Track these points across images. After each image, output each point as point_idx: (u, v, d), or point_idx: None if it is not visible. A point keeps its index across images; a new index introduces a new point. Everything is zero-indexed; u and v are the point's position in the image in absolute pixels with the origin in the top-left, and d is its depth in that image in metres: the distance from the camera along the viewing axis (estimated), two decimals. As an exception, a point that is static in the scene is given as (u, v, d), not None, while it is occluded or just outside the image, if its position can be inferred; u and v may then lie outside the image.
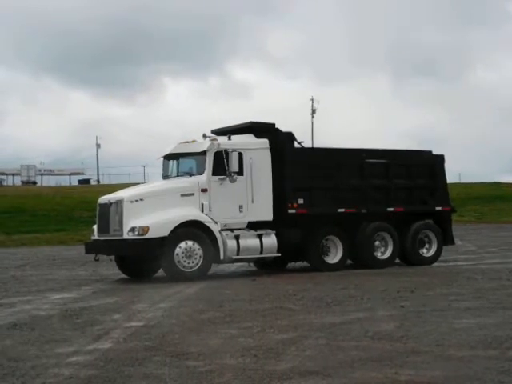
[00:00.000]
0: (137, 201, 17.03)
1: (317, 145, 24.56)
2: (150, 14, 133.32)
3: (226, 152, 17.55)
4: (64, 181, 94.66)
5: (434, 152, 21.25)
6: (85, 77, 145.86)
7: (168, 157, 18.83)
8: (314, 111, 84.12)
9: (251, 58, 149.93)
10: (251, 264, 20.03)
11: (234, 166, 17.47)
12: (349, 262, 19.45)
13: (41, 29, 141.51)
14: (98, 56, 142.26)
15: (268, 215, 18.18)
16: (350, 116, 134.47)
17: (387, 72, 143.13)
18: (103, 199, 17.76)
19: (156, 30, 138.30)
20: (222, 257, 17.28)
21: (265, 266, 19.61)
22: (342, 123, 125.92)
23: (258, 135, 18.75)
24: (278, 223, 18.18)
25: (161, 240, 16.56)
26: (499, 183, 77.45)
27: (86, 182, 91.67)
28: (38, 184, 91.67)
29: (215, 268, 18.74)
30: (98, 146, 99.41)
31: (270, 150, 18.45)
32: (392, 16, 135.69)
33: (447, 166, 21.10)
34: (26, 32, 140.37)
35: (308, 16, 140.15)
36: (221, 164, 17.53)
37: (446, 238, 20.70)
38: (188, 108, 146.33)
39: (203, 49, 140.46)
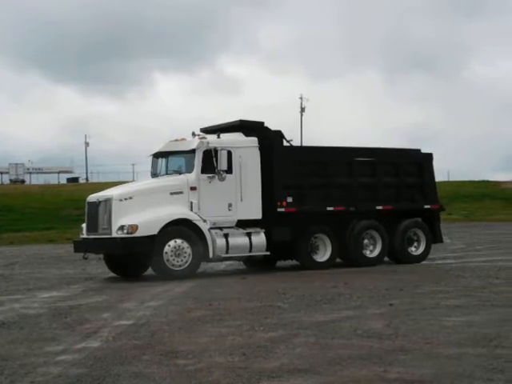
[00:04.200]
0: (126, 199, 17.01)
1: (306, 143, 24.66)
2: (139, 7, 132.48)
3: (215, 150, 17.54)
4: (52, 179, 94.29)
5: (423, 150, 21.36)
6: (72, 72, 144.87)
7: (157, 155, 18.81)
8: (303, 109, 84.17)
9: (242, 53, 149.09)
10: (240, 262, 20.03)
11: (223, 164, 17.47)
12: (338, 260, 19.48)
13: (26, 21, 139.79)
14: (85, 50, 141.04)
15: (257, 213, 18.19)
16: (341, 113, 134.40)
17: (379, 68, 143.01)
18: (92, 197, 17.73)
19: (146, 24, 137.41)
20: (211, 255, 17.28)
21: (254, 264, 19.61)
22: (333, 120, 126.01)
23: (247, 133, 18.74)
24: (267, 221, 18.19)
25: (150, 238, 16.54)
26: (488, 181, 77.69)
27: (75, 180, 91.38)
28: (27, 182, 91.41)
29: (204, 266, 18.73)
30: (87, 144, 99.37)
31: (259, 148, 18.46)
32: (385, 11, 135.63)
33: (436, 164, 21.20)
34: (10, 24, 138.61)
35: (300, 10, 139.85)
36: (210, 162, 17.53)
37: (434, 236, 20.75)
38: (178, 104, 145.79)
39: (193, 43, 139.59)
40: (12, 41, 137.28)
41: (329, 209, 19.06)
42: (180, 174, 17.89)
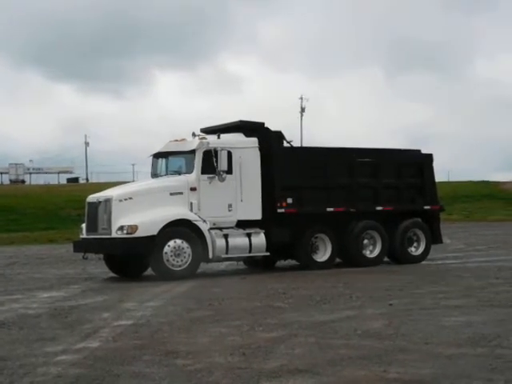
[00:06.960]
0: (126, 199, 17.00)
1: (307, 143, 24.60)
2: (138, 4, 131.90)
3: (215, 151, 17.53)
4: (53, 179, 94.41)
5: (424, 150, 21.39)
6: (71, 70, 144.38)
7: (157, 155, 18.80)
8: (303, 109, 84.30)
9: (242, 50, 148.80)
10: (240, 262, 20.03)
11: (223, 164, 17.47)
12: (338, 260, 19.48)
13: (24, 19, 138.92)
14: (84, 48, 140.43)
15: (257, 214, 18.18)
16: (343, 112, 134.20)
17: (381, 67, 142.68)
18: (92, 198, 17.73)
19: (145, 21, 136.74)
20: (210, 255, 17.27)
21: (254, 265, 19.61)
22: (333, 120, 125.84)
23: (248, 134, 18.74)
24: (267, 222, 18.18)
25: (149, 239, 16.54)
26: (488, 181, 77.75)
27: (75, 180, 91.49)
28: (27, 183, 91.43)
29: (204, 266, 18.72)
30: (87, 144, 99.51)
31: (259, 148, 18.45)
32: (387, 9, 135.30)
33: (436, 164, 21.21)
34: (8, 22, 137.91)
35: (302, 7, 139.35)
36: (210, 163, 17.52)
37: (434, 237, 20.76)
38: (178, 103, 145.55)
39: (193, 40, 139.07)
40: (10, 39, 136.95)
41: (329, 209, 19.05)
42: (180, 174, 17.89)
